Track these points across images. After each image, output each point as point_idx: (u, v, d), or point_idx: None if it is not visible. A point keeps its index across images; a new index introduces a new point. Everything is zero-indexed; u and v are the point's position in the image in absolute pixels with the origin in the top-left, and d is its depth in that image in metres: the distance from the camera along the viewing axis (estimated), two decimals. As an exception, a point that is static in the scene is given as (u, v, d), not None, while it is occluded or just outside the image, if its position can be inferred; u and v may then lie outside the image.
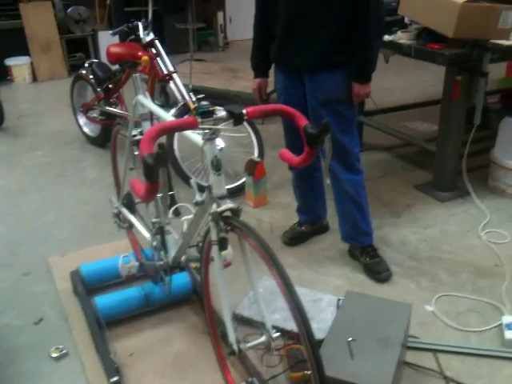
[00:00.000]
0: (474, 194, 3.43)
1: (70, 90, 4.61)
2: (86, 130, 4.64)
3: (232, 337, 1.63)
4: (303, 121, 1.53)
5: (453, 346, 2.18)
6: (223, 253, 1.81)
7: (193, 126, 1.48)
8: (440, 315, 2.37)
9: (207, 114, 1.50)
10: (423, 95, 5.52)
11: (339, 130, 2.45)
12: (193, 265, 2.53)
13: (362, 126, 4.25)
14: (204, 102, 2.63)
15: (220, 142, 2.91)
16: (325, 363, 1.72)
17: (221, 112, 1.52)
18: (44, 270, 2.77)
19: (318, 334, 2.21)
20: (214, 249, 1.63)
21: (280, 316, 2.32)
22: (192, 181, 1.69)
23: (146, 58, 2.67)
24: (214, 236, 1.62)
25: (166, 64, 3.52)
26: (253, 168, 3.39)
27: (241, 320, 2.33)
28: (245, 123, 3.66)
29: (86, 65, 4.31)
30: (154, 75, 3.59)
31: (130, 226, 2.40)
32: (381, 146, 4.38)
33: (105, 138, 4.41)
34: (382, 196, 3.55)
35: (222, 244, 1.62)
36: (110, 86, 4.17)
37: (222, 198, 1.59)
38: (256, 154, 3.62)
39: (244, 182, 3.50)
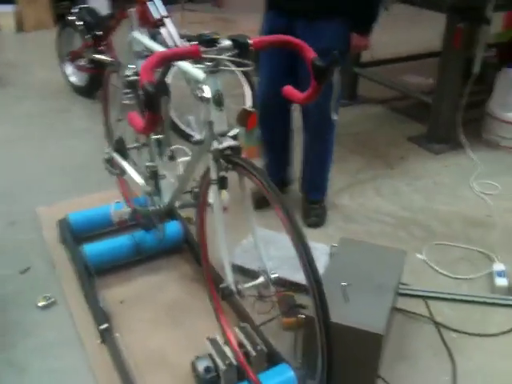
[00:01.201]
0: (467, 147, 3.39)
1: (57, 37, 4.46)
2: (73, 79, 4.50)
3: (230, 278, 1.59)
4: (311, 53, 1.45)
5: (443, 293, 2.18)
6: (221, 196, 1.78)
7: (195, 56, 1.40)
8: (431, 263, 2.38)
9: (210, 43, 1.41)
10: (419, 49, 5.40)
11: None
12: (184, 214, 2.51)
13: (356, 78, 4.18)
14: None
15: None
16: (316, 307, 1.74)
17: (225, 41, 1.43)
18: (31, 220, 2.73)
19: (310, 282, 2.21)
20: (213, 188, 1.57)
21: (274, 264, 2.29)
22: (191, 118, 1.62)
23: None
24: (213, 175, 1.56)
25: (157, 8, 3.39)
26: (245, 118, 3.30)
27: (236, 269, 2.30)
28: (238, 74, 3.56)
29: (75, 10, 4.15)
30: (145, 21, 3.46)
31: (122, 172, 2.33)
32: (375, 99, 4.31)
33: (93, 87, 4.28)
34: (376, 148, 3.51)
35: (222, 183, 1.56)
36: (100, 32, 4.03)
37: (223, 135, 1.53)
38: (249, 104, 3.53)
39: (236, 134, 3.42)
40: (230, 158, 1.52)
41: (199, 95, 2.82)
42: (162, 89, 1.26)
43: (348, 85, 4.10)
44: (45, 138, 3.72)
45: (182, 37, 3.42)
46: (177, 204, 2.07)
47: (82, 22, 4.08)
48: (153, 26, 3.45)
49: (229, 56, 1.44)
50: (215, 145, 1.53)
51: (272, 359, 1.80)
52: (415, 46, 5.71)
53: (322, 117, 2.47)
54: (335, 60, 1.42)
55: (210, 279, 1.94)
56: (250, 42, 1.44)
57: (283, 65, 2.39)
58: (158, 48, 1.97)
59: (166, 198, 2.09)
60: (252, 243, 2.45)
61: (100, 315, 2.00)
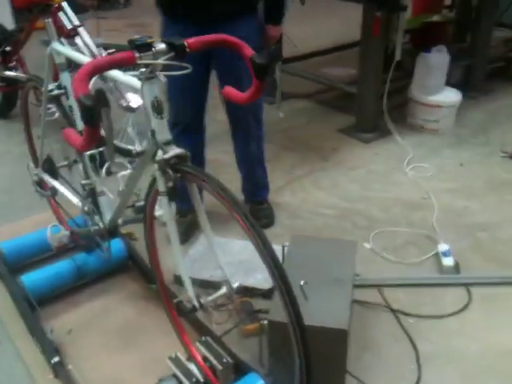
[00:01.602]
0: (395, 133, 3.49)
1: (-40, 57, 4.16)
2: (-18, 99, 4.22)
3: (191, 293, 1.52)
4: (248, 50, 1.41)
5: (395, 279, 2.22)
6: (157, 213, 1.70)
7: (130, 62, 1.31)
8: (378, 251, 2.41)
9: (145, 47, 1.32)
10: (335, 41, 5.51)
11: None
12: (124, 231, 2.40)
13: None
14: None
15: (137, 99, 2.72)
16: (278, 310, 1.70)
17: (160, 44, 1.35)
18: (-44, 254, 2.52)
19: (265, 284, 2.18)
20: (163, 200, 1.50)
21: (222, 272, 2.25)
22: (129, 129, 1.53)
23: None
24: (161, 187, 1.47)
25: (69, 18, 3.23)
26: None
27: (180, 281, 2.23)
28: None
29: (-24, 27, 3.90)
30: (58, 32, 3.29)
31: (54, 192, 2.20)
32: (300, 94, 4.34)
33: (6, 107, 4.04)
34: (308, 142, 3.53)
35: (172, 194, 1.49)
36: (8, 48, 3.81)
37: (167, 143, 1.45)
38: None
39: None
40: (177, 167, 1.45)
41: (124, 105, 2.71)
42: (100, 100, 1.17)
43: (271, 81, 4.11)
44: (-41, 165, 3.46)
45: (98, 46, 3.30)
46: (120, 221, 1.97)
47: (-14, 40, 3.84)
48: (66, 37, 3.30)
49: (165, 59, 1.37)
50: (160, 155, 1.45)
51: (239, 370, 1.75)
52: (332, 39, 5.83)
53: (255, 116, 2.46)
54: (275, 56, 1.39)
55: (166, 296, 1.86)
56: (185, 43, 1.38)
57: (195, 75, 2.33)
58: (82, 58, 1.87)
59: (108, 215, 1.99)
60: (199, 252, 2.42)
61: (49, 348, 1.87)
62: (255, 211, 2.65)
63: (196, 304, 1.51)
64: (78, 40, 3.25)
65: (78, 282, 2.22)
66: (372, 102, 3.50)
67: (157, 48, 1.35)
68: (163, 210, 1.54)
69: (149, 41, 1.34)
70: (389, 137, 3.51)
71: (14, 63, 3.89)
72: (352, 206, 2.79)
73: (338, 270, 1.88)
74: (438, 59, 3.52)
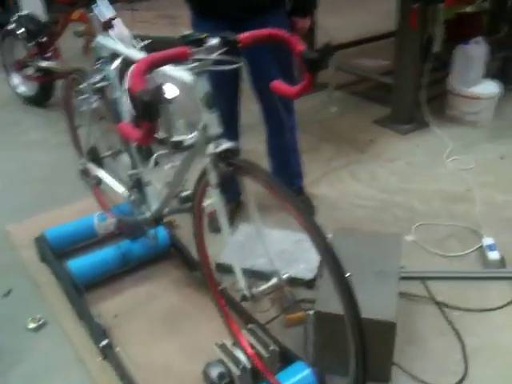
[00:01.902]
0: (433, 124, 3.45)
1: (-1, 48, 4.23)
2: (21, 89, 4.28)
3: (242, 283, 1.54)
4: (300, 45, 1.40)
5: (440, 272, 2.20)
6: (209, 200, 1.71)
7: (184, 57, 1.33)
8: (421, 243, 2.39)
9: (198, 43, 1.34)
10: (365, 32, 5.45)
11: (283, 73, 2.22)
12: (168, 219, 2.42)
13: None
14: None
15: (174, 90, 2.73)
16: (326, 301, 1.70)
17: (213, 40, 1.36)
18: (2, 240, 2.57)
19: (307, 274, 2.18)
20: (215, 193, 1.51)
21: (266, 261, 2.25)
22: (181, 121, 1.54)
23: None
24: (213, 179, 1.49)
25: (104, 10, 3.25)
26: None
27: (224, 269, 2.25)
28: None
29: (14, 19, 3.95)
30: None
31: (99, 181, 2.23)
32: (333, 84, 4.31)
33: (44, 97, 4.12)
34: (343, 134, 3.51)
35: (224, 187, 1.50)
36: (44, 39, 3.86)
37: (218, 137, 1.46)
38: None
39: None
40: (228, 161, 1.46)
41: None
42: (159, 95, 1.18)
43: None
44: (-1, 153, 3.53)
45: (134, 38, 3.32)
46: (165, 210, 1.99)
47: (23, 30, 3.89)
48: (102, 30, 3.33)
49: (218, 55, 1.38)
50: (211, 148, 1.47)
51: (284, 358, 1.76)
52: (359, 29, 5.78)
53: (285, 107, 2.45)
54: (329, 50, 1.38)
55: (214, 284, 1.87)
56: (238, 38, 1.39)
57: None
58: (127, 51, 1.88)
59: (154, 204, 2.01)
60: (240, 241, 2.43)
61: (98, 332, 1.91)
62: None
63: (247, 293, 1.52)
64: (112, 33, 3.29)
65: (122, 268, 2.25)
66: (409, 94, 3.46)
67: (209, 43, 1.36)
68: (215, 201, 1.55)
69: (202, 36, 1.35)
70: (426, 128, 3.47)
71: (49, 54, 3.94)
72: (391, 198, 2.77)
73: (383, 263, 1.88)
74: (476, 51, 3.47)
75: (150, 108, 1.17)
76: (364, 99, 4.05)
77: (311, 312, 1.72)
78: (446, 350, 1.87)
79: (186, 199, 1.87)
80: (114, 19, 3.28)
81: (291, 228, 2.48)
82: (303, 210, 1.33)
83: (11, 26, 3.95)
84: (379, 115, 3.70)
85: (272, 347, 1.71)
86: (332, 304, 1.64)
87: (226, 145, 1.45)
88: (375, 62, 4.80)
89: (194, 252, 2.23)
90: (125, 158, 2.12)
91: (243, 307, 1.99)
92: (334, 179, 2.98)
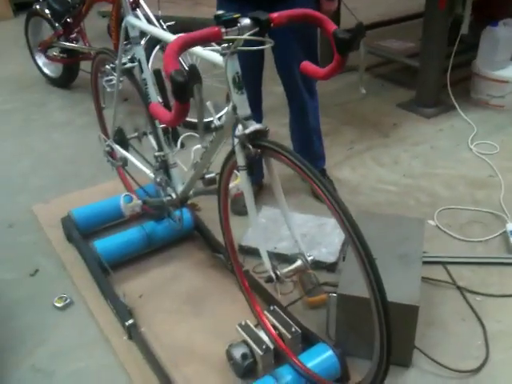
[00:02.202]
0: (458, 108, 3.40)
1: (25, 28, 4.26)
2: (46, 70, 4.33)
3: (268, 264, 1.55)
4: (332, 25, 1.39)
5: (462, 257, 2.19)
6: (234, 182, 1.73)
7: (217, 37, 1.33)
8: (444, 228, 2.38)
9: (231, 23, 1.34)
10: (390, 13, 5.37)
11: (306, 53, 2.27)
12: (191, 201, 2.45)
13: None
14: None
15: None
16: (349, 284, 1.72)
17: (245, 20, 1.35)
18: (29, 220, 2.63)
19: (330, 258, 2.20)
20: (243, 175, 1.52)
21: (287, 243, 2.28)
22: (208, 103, 1.55)
23: None
24: (241, 161, 1.50)
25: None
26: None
27: (247, 251, 2.28)
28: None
29: (41, -1, 3.98)
30: (119, 4, 3.34)
31: (125, 163, 2.26)
32: (356, 66, 4.26)
33: (69, 78, 4.15)
34: (367, 117, 3.49)
35: (251, 168, 1.51)
36: (69, 20, 3.88)
37: (247, 118, 1.47)
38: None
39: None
40: (257, 142, 1.47)
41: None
42: (193, 76, 1.18)
43: (326, 54, 4.05)
44: (24, 133, 3.59)
45: (159, 18, 3.32)
46: (191, 192, 2.01)
47: (49, 11, 3.92)
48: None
49: (249, 35, 1.37)
50: (240, 130, 1.47)
51: (306, 340, 1.78)
52: (385, 9, 5.69)
53: (308, 88, 2.44)
54: (360, 31, 1.37)
55: (238, 266, 1.90)
56: (270, 18, 1.38)
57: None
58: (157, 31, 1.89)
59: (179, 186, 2.03)
60: (262, 224, 2.45)
61: (123, 311, 1.95)
62: None
63: (273, 275, 1.54)
64: (138, 12, 3.30)
65: (147, 249, 2.28)
66: (435, 77, 3.42)
67: (242, 23, 1.36)
68: (242, 183, 1.56)
69: (235, 16, 1.35)
70: (451, 112, 3.43)
71: (75, 35, 3.97)
72: (415, 182, 2.76)
73: (405, 247, 1.88)
74: (505, 33, 3.40)
75: (183, 88, 1.17)
76: (388, 82, 4.01)
77: (333, 294, 1.74)
78: (467, 335, 1.87)
79: (212, 181, 1.89)
80: (139, -1, 3.30)
81: (311, 211, 2.50)
82: (331, 190, 1.32)
83: (37, 7, 3.98)
84: (403, 99, 3.66)
85: (294, 329, 1.73)
86: (355, 287, 1.66)
87: (254, 126, 1.46)
88: (401, 43, 4.74)
89: (216, 234, 2.28)
90: (151, 140, 2.15)
91: (266, 289, 2.02)
92: (357, 163, 2.98)
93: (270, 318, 1.80)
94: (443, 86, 3.44)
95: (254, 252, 2.27)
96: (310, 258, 1.55)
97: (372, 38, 4.57)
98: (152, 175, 2.10)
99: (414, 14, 4.58)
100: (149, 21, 3.27)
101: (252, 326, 1.78)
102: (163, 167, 2.04)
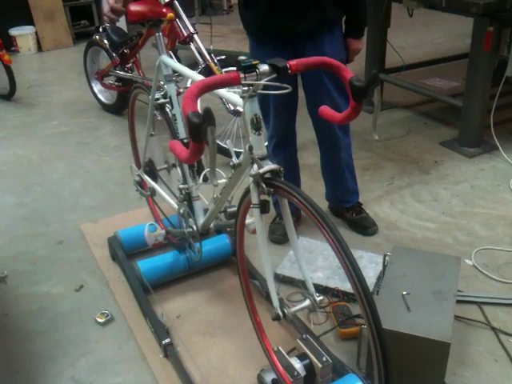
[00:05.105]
0: (501, 149, 3.40)
1: (84, 56, 4.53)
2: (101, 97, 4.57)
3: (276, 302, 1.60)
4: (348, 73, 1.46)
5: (497, 298, 2.18)
6: (250, 219, 1.78)
7: (236, 82, 1.41)
8: (481, 268, 2.38)
9: (250, 69, 1.42)
10: (436, 52, 5.42)
11: (338, 92, 2.36)
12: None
13: (382, 84, 4.20)
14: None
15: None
16: (382, 317, 1.74)
17: (263, 66, 1.44)
18: (77, 238, 2.77)
19: (364, 291, 2.22)
20: (255, 212, 1.57)
21: (323, 274, 2.33)
22: (228, 142, 1.62)
23: (171, 14, 2.52)
24: (254, 199, 1.55)
25: (185, 25, 3.44)
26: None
27: (282, 280, 2.34)
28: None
29: (100, 30, 4.22)
30: (174, 37, 3.52)
31: (153, 193, 2.37)
32: (400, 103, 4.33)
33: (121, 105, 4.35)
34: (408, 154, 3.52)
35: (264, 207, 1.56)
36: (126, 50, 4.10)
37: (262, 158, 1.53)
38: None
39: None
40: (270, 182, 1.52)
41: (232, 109, 2.87)
42: (208, 118, 1.25)
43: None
44: (78, 155, 3.78)
45: (210, 52, 3.48)
46: (212, 225, 2.09)
47: (108, 41, 4.14)
48: (182, 43, 3.51)
49: (267, 80, 1.44)
50: (255, 169, 1.53)
51: (337, 370, 1.81)
52: (432, 48, 5.74)
53: (341, 127, 2.49)
54: (375, 79, 1.43)
55: (251, 300, 1.94)
56: (288, 65, 1.45)
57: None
58: (189, 72, 1.98)
59: (201, 219, 2.13)
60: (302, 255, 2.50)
61: (161, 330, 2.03)
62: (359, 220, 2.70)
63: (280, 313, 1.60)
64: (192, 46, 3.46)
65: (186, 272, 2.37)
66: (478, 116, 3.43)
67: (261, 70, 1.44)
68: (255, 220, 1.62)
69: (254, 63, 1.43)
70: (493, 152, 3.42)
71: (130, 65, 4.18)
72: (454, 220, 2.76)
73: (440, 284, 1.89)
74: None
75: (198, 129, 1.24)
76: (431, 120, 4.04)
77: (365, 327, 1.77)
78: (499, 376, 1.86)
79: (233, 215, 1.92)
80: (194, 34, 3.47)
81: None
82: (335, 231, 1.35)
83: (97, 37, 4.22)
84: (446, 137, 3.68)
85: (325, 358, 1.77)
86: (387, 321, 1.69)
87: (269, 166, 1.51)
88: (445, 82, 4.78)
89: (253, 261, 2.35)
90: (177, 173, 2.25)
91: (299, 318, 2.07)
92: (397, 199, 3.00)
93: (302, 346, 1.84)
94: (486, 126, 3.44)
95: (288, 280, 2.34)
96: (319, 299, 1.60)
97: (417, 76, 4.64)
98: (176, 206, 2.19)
99: (459, 54, 4.61)
100: (201, 54, 3.43)
101: (284, 352, 1.82)
102: (186, 199, 2.12)
